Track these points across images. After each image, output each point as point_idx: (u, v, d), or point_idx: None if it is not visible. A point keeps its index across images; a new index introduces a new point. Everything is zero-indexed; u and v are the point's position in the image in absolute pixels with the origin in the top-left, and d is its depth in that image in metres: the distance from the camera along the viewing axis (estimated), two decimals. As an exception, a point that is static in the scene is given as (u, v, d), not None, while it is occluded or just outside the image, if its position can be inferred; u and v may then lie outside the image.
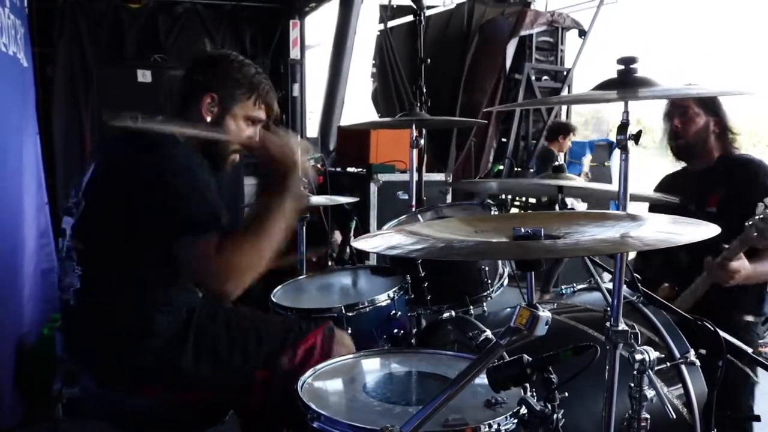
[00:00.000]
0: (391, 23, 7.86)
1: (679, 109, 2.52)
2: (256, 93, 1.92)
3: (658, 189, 2.78)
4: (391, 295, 2.23)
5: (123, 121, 1.68)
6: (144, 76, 4.62)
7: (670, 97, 1.52)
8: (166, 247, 1.67)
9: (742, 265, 2.21)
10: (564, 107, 8.16)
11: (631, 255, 2.73)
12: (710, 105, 2.50)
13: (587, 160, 7.79)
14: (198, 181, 1.72)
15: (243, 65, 1.92)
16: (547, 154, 6.17)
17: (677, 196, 2.15)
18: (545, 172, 5.64)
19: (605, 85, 1.47)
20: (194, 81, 1.88)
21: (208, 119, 1.87)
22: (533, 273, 1.35)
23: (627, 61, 1.43)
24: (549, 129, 6.92)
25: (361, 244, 1.32)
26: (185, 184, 1.69)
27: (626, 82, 1.43)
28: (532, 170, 7.49)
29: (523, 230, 1.22)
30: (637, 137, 1.45)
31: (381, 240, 1.32)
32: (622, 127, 1.44)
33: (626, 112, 1.44)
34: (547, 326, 1.24)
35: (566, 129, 6.28)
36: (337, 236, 3.59)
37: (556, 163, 2.04)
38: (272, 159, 1.76)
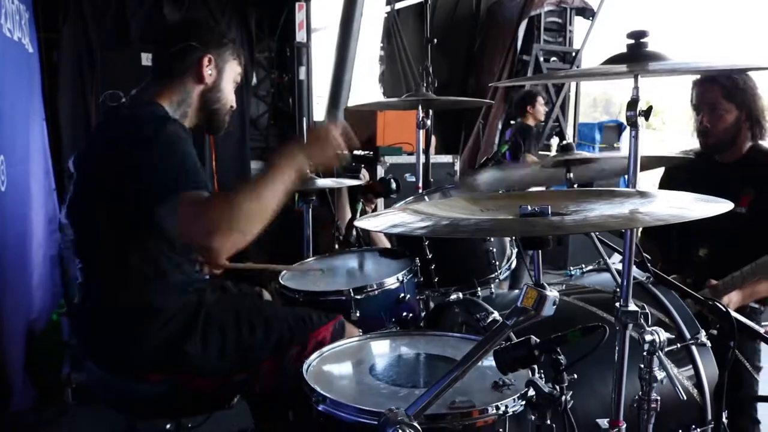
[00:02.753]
0: (398, 5, 7.79)
1: (706, 106, 2.40)
2: (236, 53, 1.93)
3: (668, 172, 2.70)
4: (400, 278, 2.21)
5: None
6: (148, 59, 4.57)
7: (682, 73, 1.47)
8: (152, 217, 1.62)
9: (730, 299, 2.19)
10: (572, 89, 8.10)
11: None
12: (740, 97, 2.37)
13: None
14: (175, 145, 1.67)
15: (217, 26, 1.92)
16: (525, 129, 5.73)
17: (698, 186, 2.07)
18: (526, 150, 5.47)
19: (615, 60, 1.44)
20: (189, 46, 1.84)
21: (209, 82, 1.86)
22: (540, 252, 1.32)
23: (637, 35, 1.40)
24: (514, 105, 6.31)
25: (365, 223, 1.30)
26: (162, 145, 1.65)
27: (636, 57, 1.40)
28: (541, 152, 7.43)
29: (529, 208, 1.19)
30: (647, 114, 1.42)
31: (385, 218, 1.31)
32: (632, 103, 1.41)
33: (636, 87, 1.41)
34: (554, 306, 1.22)
35: (530, 96, 5.80)
36: (365, 173, 3.56)
37: (564, 142, 1.99)
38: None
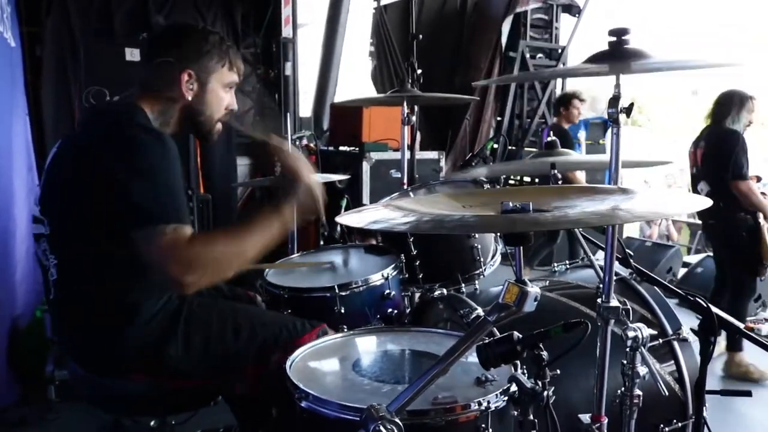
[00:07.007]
0: (385, 1, 7.77)
1: None
2: (227, 59, 1.86)
3: None
4: (385, 275, 2.21)
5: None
6: (132, 54, 4.54)
7: (664, 70, 1.48)
8: (125, 234, 1.58)
9: None
10: (559, 85, 8.13)
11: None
12: None
13: (582, 136, 7.66)
14: (161, 168, 1.62)
15: (207, 33, 1.85)
16: (558, 130, 5.83)
17: None
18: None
19: (597, 58, 1.45)
20: (167, 62, 1.80)
21: (189, 97, 1.81)
22: (522, 248, 1.33)
23: (618, 33, 1.41)
24: (553, 106, 6.71)
25: (346, 219, 1.30)
26: (146, 170, 1.60)
27: (618, 55, 1.41)
28: (527, 149, 7.47)
29: (511, 204, 1.20)
30: (629, 110, 1.43)
31: (367, 215, 1.30)
32: (614, 101, 1.42)
33: (618, 85, 1.42)
34: (536, 302, 1.23)
35: (563, 99, 6.10)
36: None
37: (548, 139, 2.01)
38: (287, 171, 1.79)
